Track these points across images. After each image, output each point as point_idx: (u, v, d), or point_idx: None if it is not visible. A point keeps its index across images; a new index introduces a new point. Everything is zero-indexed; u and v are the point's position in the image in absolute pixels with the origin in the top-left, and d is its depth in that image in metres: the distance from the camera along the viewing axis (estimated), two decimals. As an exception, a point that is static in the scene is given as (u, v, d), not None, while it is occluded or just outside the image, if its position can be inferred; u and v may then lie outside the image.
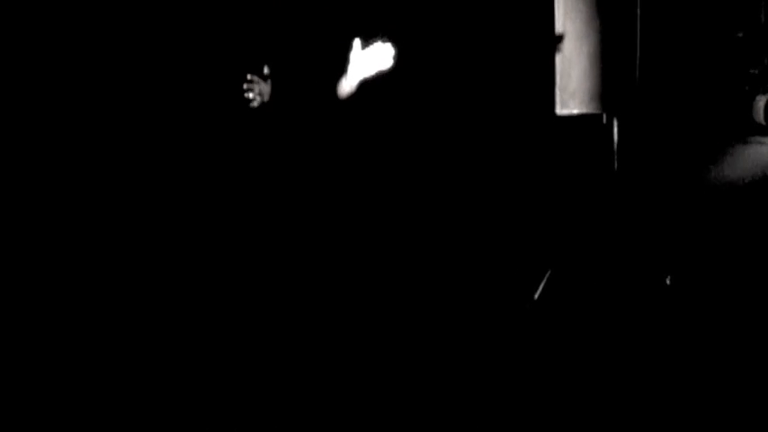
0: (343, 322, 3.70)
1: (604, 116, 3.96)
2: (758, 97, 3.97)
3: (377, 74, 3.14)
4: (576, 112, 3.95)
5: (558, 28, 3.97)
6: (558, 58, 3.99)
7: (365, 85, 3.24)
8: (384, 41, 3.12)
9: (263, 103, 3.29)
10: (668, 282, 3.79)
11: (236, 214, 3.94)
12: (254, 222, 4.02)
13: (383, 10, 3.82)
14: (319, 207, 3.57)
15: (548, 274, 3.88)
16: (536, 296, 3.88)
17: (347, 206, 3.56)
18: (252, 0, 3.67)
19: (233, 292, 3.91)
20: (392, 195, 3.88)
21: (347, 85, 3.23)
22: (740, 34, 3.84)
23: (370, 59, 3.15)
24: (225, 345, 3.85)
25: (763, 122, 3.98)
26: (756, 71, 4.00)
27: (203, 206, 4.03)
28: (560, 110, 3.97)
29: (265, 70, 3.27)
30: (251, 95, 3.26)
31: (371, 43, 3.15)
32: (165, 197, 4.05)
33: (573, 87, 3.97)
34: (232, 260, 3.95)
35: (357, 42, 3.17)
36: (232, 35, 3.92)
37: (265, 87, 3.29)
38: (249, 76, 3.25)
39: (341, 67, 3.21)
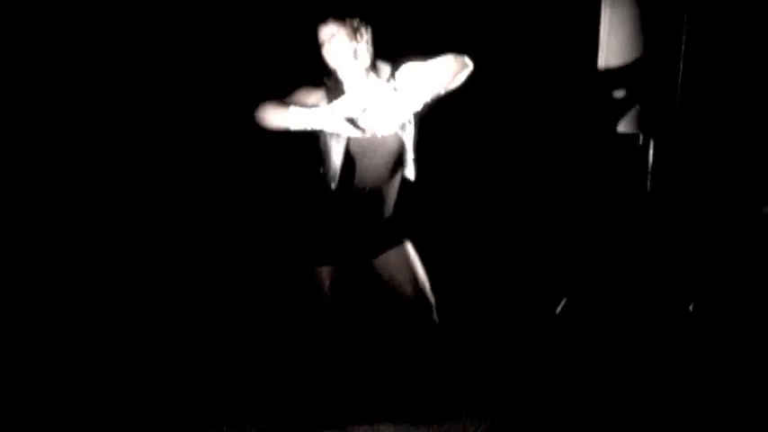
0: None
1: (641, 137, 3.93)
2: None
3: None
4: (616, 130, 3.91)
5: (602, 42, 3.94)
6: (600, 74, 3.96)
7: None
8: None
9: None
10: (691, 309, 3.76)
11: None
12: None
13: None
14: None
15: (570, 291, 3.86)
16: (558, 311, 3.87)
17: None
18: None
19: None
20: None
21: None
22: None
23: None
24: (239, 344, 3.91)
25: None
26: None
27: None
28: (597, 128, 3.95)
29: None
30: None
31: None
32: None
33: (612, 105, 3.94)
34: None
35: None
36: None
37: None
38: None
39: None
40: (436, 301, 3.12)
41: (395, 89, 3.09)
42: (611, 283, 3.92)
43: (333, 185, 3.07)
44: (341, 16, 3.10)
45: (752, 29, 3.82)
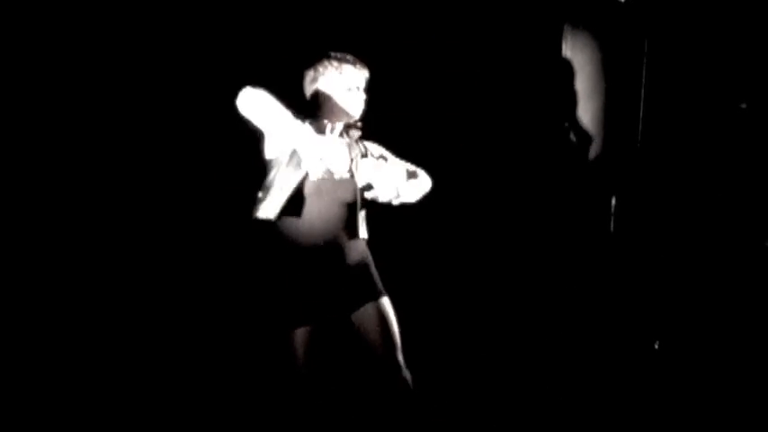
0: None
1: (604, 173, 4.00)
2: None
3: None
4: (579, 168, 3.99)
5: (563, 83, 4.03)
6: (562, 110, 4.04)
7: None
8: None
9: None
10: (656, 346, 3.83)
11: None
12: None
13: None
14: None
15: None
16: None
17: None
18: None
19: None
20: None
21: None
22: (743, 105, 3.87)
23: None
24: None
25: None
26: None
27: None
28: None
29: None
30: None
31: None
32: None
33: (574, 145, 4.02)
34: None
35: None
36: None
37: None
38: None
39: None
40: (407, 361, 3.02)
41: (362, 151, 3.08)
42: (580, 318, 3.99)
43: (270, 214, 2.94)
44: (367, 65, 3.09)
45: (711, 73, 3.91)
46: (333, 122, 3.10)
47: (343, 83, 3.06)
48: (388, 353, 2.99)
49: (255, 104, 2.88)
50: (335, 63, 3.07)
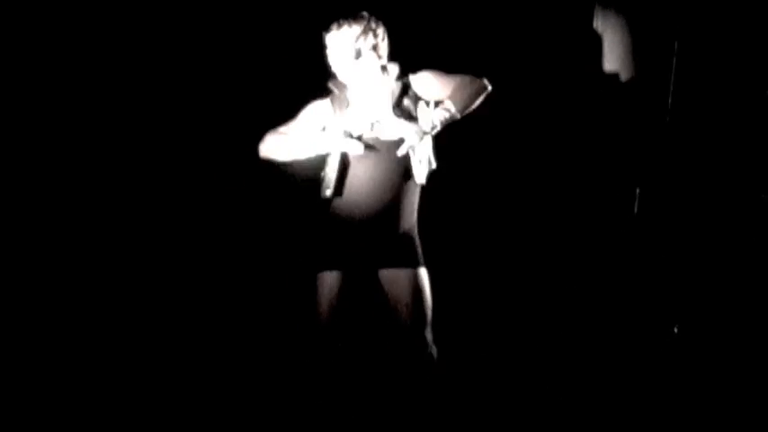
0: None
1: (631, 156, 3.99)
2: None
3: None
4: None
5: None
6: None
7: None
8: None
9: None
10: (676, 330, 3.84)
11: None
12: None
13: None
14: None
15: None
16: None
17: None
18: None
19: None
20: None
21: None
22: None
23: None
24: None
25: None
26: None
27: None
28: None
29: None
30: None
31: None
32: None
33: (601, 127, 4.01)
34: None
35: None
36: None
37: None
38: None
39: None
40: (437, 336, 3.05)
41: (406, 88, 3.07)
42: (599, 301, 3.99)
43: (328, 192, 3.03)
44: (346, 17, 3.06)
45: (741, 55, 3.88)
46: (348, 84, 3.11)
47: (329, 53, 3.10)
48: (416, 327, 3.01)
49: (273, 153, 3.15)
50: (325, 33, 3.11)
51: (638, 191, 3.93)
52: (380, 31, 3.09)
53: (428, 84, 3.07)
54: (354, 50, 3.04)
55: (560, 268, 4.05)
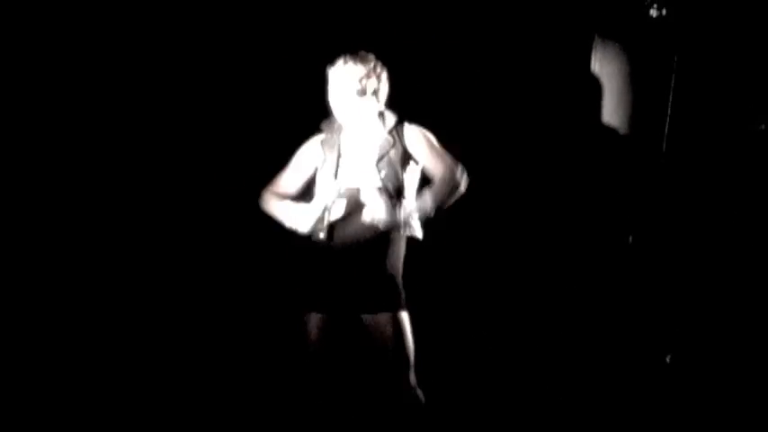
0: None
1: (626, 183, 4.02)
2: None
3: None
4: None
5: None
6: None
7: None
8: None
9: None
10: (668, 360, 3.89)
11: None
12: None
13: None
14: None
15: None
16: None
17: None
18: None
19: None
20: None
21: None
22: (763, 126, 3.88)
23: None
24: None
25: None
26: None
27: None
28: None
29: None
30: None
31: None
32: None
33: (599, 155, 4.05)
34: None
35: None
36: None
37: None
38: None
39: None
40: (419, 380, 3.08)
41: (396, 139, 3.09)
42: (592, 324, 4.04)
43: (321, 236, 3.06)
44: (353, 55, 3.08)
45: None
46: (343, 124, 3.13)
47: (330, 87, 3.11)
48: (399, 370, 3.05)
49: (274, 216, 3.20)
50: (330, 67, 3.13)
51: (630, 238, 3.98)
52: (384, 76, 3.11)
53: (418, 147, 3.12)
54: (357, 89, 3.06)
55: (547, 315, 4.10)
